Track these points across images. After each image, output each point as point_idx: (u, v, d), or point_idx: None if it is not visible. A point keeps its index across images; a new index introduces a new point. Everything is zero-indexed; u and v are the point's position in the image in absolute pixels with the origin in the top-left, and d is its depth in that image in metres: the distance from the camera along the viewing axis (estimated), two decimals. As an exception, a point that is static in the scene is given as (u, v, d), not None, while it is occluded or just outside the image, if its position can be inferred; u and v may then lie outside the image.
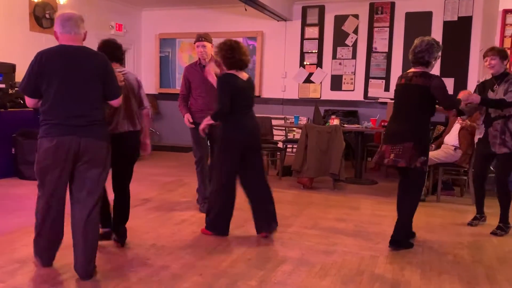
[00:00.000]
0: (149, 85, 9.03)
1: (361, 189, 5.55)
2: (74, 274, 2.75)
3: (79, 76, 2.62)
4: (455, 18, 7.05)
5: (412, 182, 3.49)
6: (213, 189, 3.64)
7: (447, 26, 7.09)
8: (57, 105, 2.59)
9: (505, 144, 3.69)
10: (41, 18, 6.69)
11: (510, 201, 3.85)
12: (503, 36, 5.51)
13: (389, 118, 3.67)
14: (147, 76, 9.06)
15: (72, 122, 2.58)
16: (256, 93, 8.17)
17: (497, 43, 5.53)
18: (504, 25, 5.50)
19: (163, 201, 4.68)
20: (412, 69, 3.46)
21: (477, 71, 6.82)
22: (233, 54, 3.45)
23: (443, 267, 3.09)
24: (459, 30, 7.01)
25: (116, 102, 2.83)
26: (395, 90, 3.56)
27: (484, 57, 3.83)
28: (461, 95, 4.51)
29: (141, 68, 9.09)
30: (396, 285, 2.76)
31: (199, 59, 4.24)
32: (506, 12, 5.48)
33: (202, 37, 4.10)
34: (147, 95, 9.34)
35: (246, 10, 7.01)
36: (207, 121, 3.60)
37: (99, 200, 2.75)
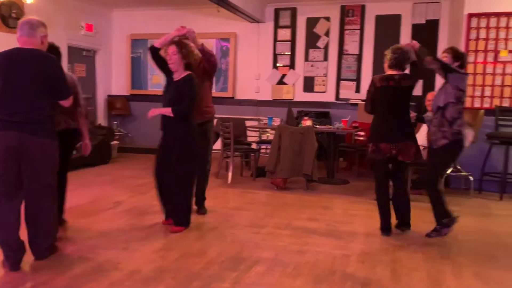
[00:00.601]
0: (120, 86, 8.90)
1: (333, 189, 5.62)
2: (43, 280, 2.68)
3: (26, 76, 2.78)
4: (423, 21, 7.24)
5: (406, 174, 3.94)
6: (187, 185, 3.72)
7: (416, 28, 7.27)
8: (3, 102, 2.77)
9: (445, 135, 3.62)
10: (8, 18, 6.49)
11: (441, 196, 3.68)
12: (468, 39, 5.69)
13: (378, 117, 3.79)
14: (118, 77, 8.92)
15: (14, 118, 2.74)
16: (230, 95, 8.24)
17: (462, 46, 5.71)
18: (469, 28, 5.68)
19: (135, 204, 4.61)
20: (394, 72, 3.67)
21: (444, 73, 7.00)
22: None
23: (413, 264, 3.16)
24: (427, 33, 7.19)
25: (66, 103, 3.00)
26: (383, 91, 3.69)
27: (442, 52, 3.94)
28: (429, 96, 4.62)
29: (112, 69, 8.94)
30: (368, 283, 2.81)
31: None
32: (470, 16, 5.66)
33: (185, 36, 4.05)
34: (118, 96, 9.26)
35: (218, 11, 7.01)
36: (168, 112, 3.57)
37: (48, 192, 2.90)
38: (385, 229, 3.79)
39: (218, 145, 6.19)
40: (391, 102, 3.70)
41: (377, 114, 3.79)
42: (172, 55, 3.61)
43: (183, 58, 3.60)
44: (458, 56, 3.72)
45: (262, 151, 6.93)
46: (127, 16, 8.74)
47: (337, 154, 6.62)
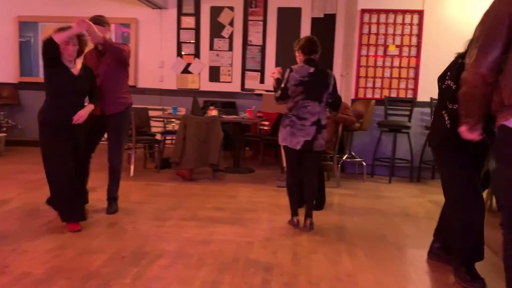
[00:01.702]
0: (7, 73, 8.09)
1: (239, 177, 5.70)
2: None
3: None
4: (322, 15, 7.59)
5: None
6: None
7: (315, 22, 7.60)
8: None
9: None
10: None
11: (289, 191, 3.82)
12: (361, 34, 6.09)
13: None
14: (4, 63, 8.09)
15: None
16: (132, 83, 7.89)
17: (356, 40, 6.10)
18: (362, 23, 6.08)
19: (26, 201, 4.24)
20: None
21: (340, 65, 7.44)
22: None
23: (312, 247, 3.32)
24: (325, 26, 7.55)
25: None
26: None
27: None
28: None
29: (-3, 54, 8.07)
30: (270, 268, 2.89)
31: (95, 44, 3.85)
32: (363, 11, 6.06)
33: (92, 19, 3.73)
34: (5, 84, 8.42)
35: (117, -5, 6.65)
36: (91, 109, 3.67)
37: None
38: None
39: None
40: None
41: None
42: (72, 52, 3.46)
43: (79, 50, 3.55)
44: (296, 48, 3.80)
45: (168, 142, 6.78)
46: (14, -5, 7.92)
47: (242, 143, 6.71)
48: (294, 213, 3.78)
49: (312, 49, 3.66)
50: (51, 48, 3.38)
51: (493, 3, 1.99)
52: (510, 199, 2.02)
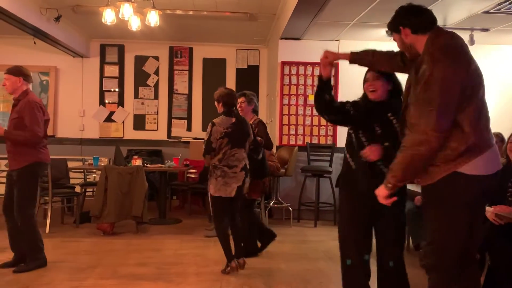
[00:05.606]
0: None
1: (165, 229, 5.52)
2: None
3: None
4: (246, 66, 7.88)
5: None
6: None
7: (239, 72, 7.86)
8: None
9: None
10: None
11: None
12: (282, 84, 6.38)
13: None
14: None
15: None
16: (50, 133, 7.48)
17: (278, 90, 6.37)
18: (283, 74, 6.38)
19: None
20: None
21: (265, 113, 7.69)
22: None
23: (239, 298, 3.26)
24: (249, 76, 7.83)
25: None
26: None
27: None
28: None
29: None
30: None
31: None
32: (283, 64, 6.38)
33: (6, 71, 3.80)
34: None
35: (35, 43, 6.43)
36: None
37: None
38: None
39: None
40: None
41: None
42: None
43: None
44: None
45: (88, 194, 6.44)
46: None
47: (169, 193, 6.57)
48: (230, 258, 3.72)
49: (232, 102, 3.93)
50: None
51: (443, 70, 1.97)
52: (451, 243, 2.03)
